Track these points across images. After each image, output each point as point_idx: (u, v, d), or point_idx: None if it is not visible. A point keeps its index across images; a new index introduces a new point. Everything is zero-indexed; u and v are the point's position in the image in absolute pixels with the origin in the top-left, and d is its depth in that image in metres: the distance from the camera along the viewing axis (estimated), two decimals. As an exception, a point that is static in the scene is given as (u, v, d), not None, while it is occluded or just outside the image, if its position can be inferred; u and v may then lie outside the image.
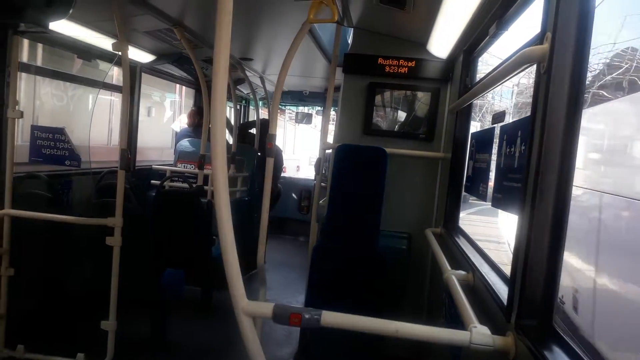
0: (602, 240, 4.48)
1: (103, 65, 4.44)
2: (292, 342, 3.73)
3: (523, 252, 1.37)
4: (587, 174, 5.10)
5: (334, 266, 3.07)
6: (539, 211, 1.32)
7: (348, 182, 3.15)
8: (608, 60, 12.27)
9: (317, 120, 9.18)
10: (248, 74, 5.55)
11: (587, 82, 1.32)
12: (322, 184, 3.83)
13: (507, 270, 1.69)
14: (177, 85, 7.66)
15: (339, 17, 3.10)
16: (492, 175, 2.09)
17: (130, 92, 3.54)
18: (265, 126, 6.15)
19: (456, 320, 1.84)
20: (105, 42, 3.72)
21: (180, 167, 5.31)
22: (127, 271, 3.05)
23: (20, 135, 3.82)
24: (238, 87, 6.35)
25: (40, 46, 4.95)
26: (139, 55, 4.52)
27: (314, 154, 13.62)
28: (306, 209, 7.80)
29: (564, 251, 1.31)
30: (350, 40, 3.66)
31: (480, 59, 3.01)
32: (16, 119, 2.96)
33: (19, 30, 2.87)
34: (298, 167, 13.84)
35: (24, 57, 4.53)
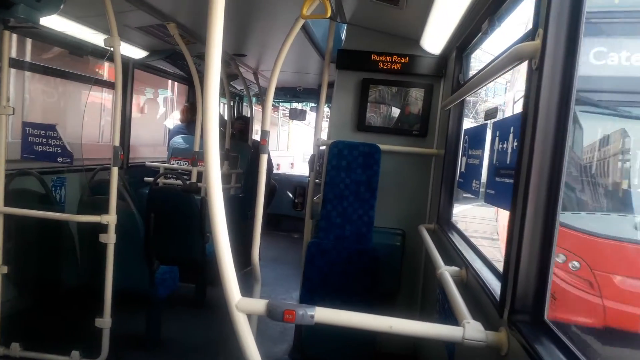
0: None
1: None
2: (287, 339, 3.74)
3: (515, 248, 1.38)
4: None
5: (328, 263, 3.08)
6: (531, 207, 1.33)
7: (342, 178, 3.16)
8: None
9: (311, 116, 9.18)
10: (241, 70, 5.53)
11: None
12: (317, 180, 3.83)
13: (499, 266, 1.70)
14: (169, 82, 7.62)
15: (332, 13, 3.10)
16: (484, 171, 2.10)
17: (123, 89, 3.52)
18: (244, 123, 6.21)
19: (450, 316, 1.85)
20: (97, 38, 3.69)
21: (173, 164, 5.30)
22: (121, 268, 3.04)
23: (10, 133, 3.79)
24: (231, 83, 6.33)
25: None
26: (131, 51, 4.49)
27: (308, 150, 13.60)
28: (300, 205, 7.84)
29: (555, 247, 1.33)
30: (343, 36, 3.65)
31: (472, 55, 3.02)
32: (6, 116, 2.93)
33: (9, 25, 2.85)
34: (292, 164, 13.83)
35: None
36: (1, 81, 2.87)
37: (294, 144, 18.13)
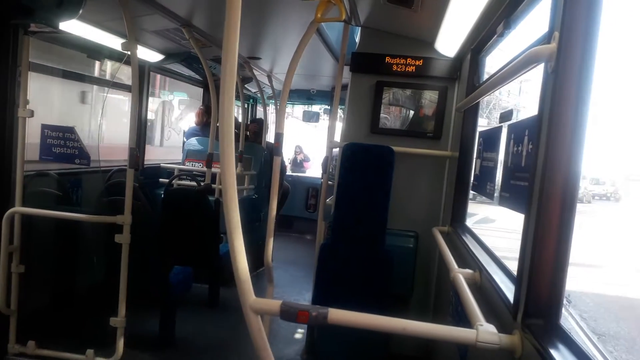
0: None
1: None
2: (300, 340, 3.75)
3: (530, 251, 1.37)
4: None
5: (341, 264, 3.08)
6: (546, 210, 1.32)
7: (355, 180, 3.16)
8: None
9: (324, 118, 9.19)
10: (256, 72, 5.57)
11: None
12: (330, 182, 3.84)
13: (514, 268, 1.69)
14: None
15: (347, 16, 3.10)
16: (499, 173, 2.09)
17: (139, 92, 3.57)
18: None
19: (463, 319, 1.84)
20: (114, 42, 3.75)
21: (188, 166, 5.35)
22: (136, 268, 3.08)
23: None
24: (246, 85, 6.38)
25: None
26: (147, 55, 4.55)
27: (314, 154, 13.49)
28: (313, 207, 7.86)
29: (570, 250, 1.32)
30: (357, 39, 3.66)
31: (488, 57, 3.00)
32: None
33: (29, 30, 2.90)
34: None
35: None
36: (21, 85, 2.93)
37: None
